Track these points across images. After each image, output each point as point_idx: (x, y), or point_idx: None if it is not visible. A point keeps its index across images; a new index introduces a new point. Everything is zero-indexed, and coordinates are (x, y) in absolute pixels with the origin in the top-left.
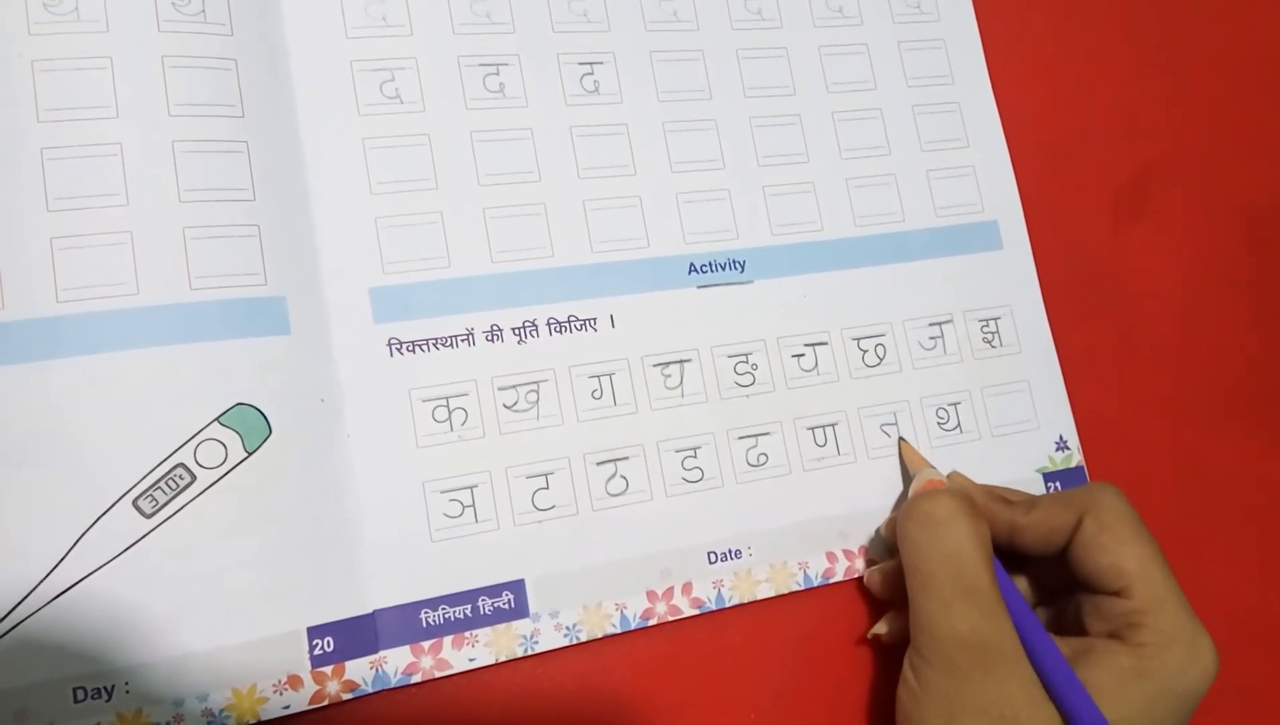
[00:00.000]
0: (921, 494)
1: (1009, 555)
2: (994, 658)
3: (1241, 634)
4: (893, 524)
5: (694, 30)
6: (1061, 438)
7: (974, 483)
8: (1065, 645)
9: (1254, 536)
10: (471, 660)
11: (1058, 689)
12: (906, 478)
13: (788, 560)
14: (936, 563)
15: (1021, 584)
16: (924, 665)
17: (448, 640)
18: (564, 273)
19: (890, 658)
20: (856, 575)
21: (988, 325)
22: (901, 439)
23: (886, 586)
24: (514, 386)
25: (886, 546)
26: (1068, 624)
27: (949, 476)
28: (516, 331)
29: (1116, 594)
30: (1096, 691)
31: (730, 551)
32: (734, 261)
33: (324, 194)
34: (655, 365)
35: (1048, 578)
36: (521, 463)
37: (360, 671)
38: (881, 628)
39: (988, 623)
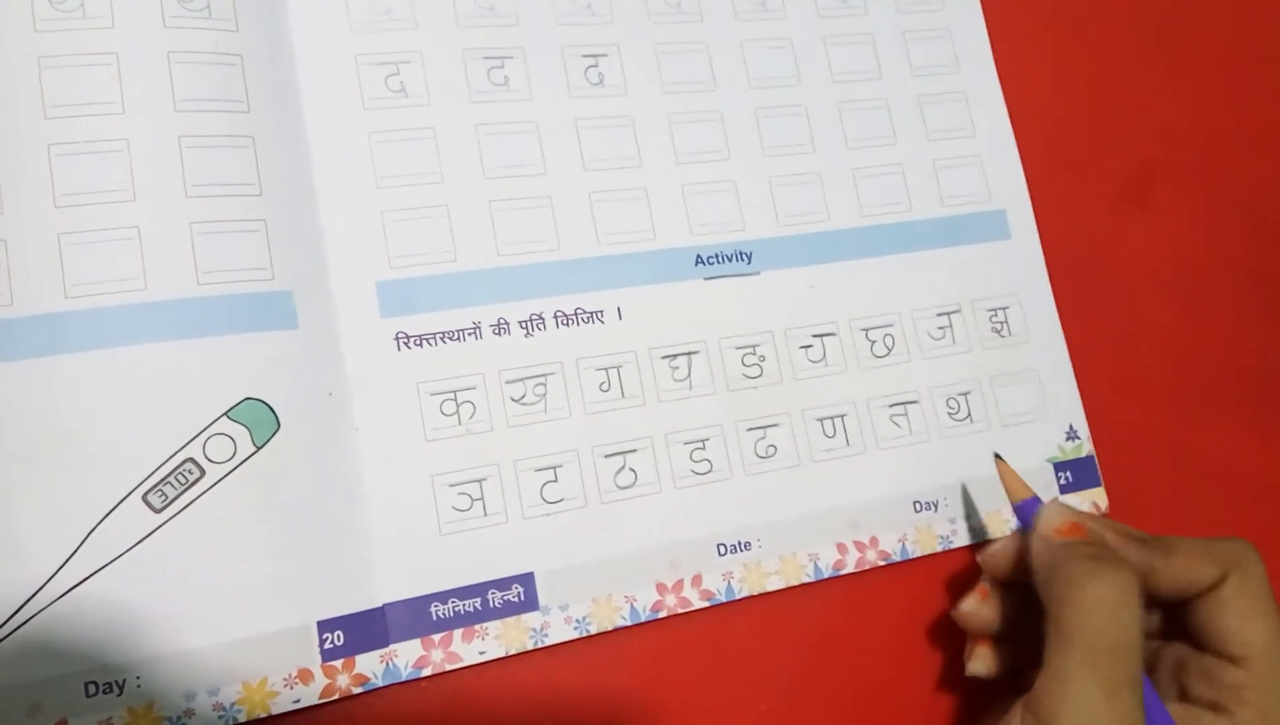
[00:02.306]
0: (1090, 570)
1: None
2: None
3: None
4: (1006, 559)
5: (698, 22)
6: (1072, 427)
7: (1103, 523)
8: (1173, 714)
9: (1260, 525)
10: (481, 653)
11: None
12: (990, 496)
13: (797, 552)
14: (1111, 648)
15: None
16: None
17: (458, 633)
18: (570, 265)
19: (899, 648)
20: (867, 567)
21: (996, 315)
22: (997, 456)
23: (1008, 568)
24: (521, 379)
25: (1002, 577)
26: (1158, 674)
27: (1079, 517)
28: (523, 324)
29: (1232, 661)
30: None
31: (740, 543)
32: (741, 253)
33: (330, 188)
34: (663, 357)
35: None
36: (530, 456)
37: (370, 665)
38: (981, 667)
39: (1141, 714)
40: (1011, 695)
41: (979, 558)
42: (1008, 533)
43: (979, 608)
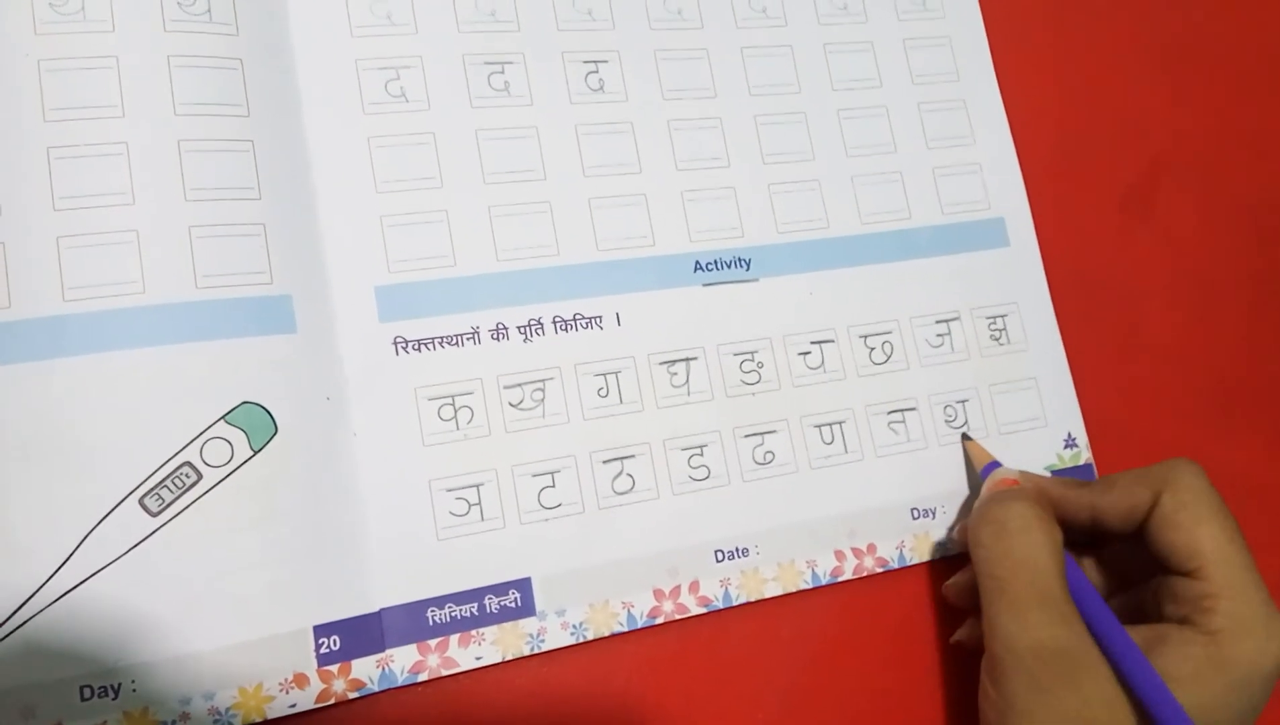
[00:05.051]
0: (993, 499)
1: (1091, 538)
2: (1072, 665)
3: None
4: (965, 530)
5: (698, 28)
6: (1070, 435)
7: (1044, 477)
8: (1138, 634)
9: (1263, 534)
10: (478, 659)
11: (1136, 685)
12: (972, 475)
13: (795, 559)
14: (1010, 569)
15: (1099, 570)
16: (1002, 677)
17: (454, 639)
18: (569, 271)
19: (897, 655)
20: (865, 574)
21: (995, 322)
22: (965, 437)
23: (967, 595)
24: (520, 385)
25: (960, 550)
26: (1148, 607)
27: (1019, 474)
28: (522, 330)
29: (1190, 575)
30: (1172, 681)
31: (737, 550)
32: (740, 259)
33: (329, 192)
34: (661, 363)
35: (1131, 561)
36: (528, 461)
37: (366, 670)
38: (964, 634)
39: (1064, 630)
40: None
41: (955, 531)
42: None
43: (961, 579)
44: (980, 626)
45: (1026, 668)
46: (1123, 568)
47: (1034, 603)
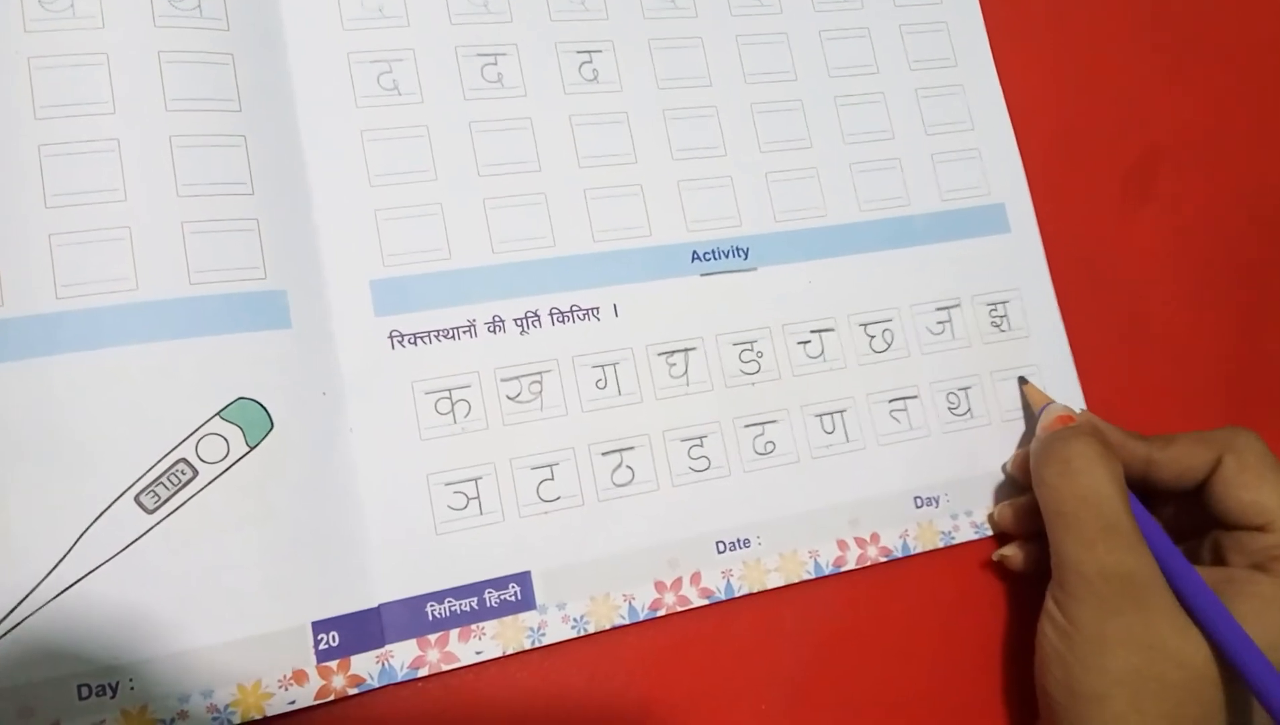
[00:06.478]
0: (1056, 438)
1: (1139, 494)
2: (1139, 589)
3: None
4: (1019, 462)
5: (692, 17)
6: None
7: (1102, 421)
8: (1205, 575)
9: None
10: (478, 653)
11: (1203, 615)
12: (1030, 419)
13: (797, 549)
14: (1076, 505)
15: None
16: (1070, 602)
17: (454, 633)
18: (566, 262)
19: (901, 645)
20: (868, 563)
21: (996, 309)
22: (1022, 380)
23: (1018, 522)
24: (517, 377)
25: (1012, 484)
26: (1202, 561)
27: (1078, 412)
28: (519, 322)
29: (1259, 529)
30: (1239, 618)
31: (739, 541)
32: (737, 249)
33: (323, 187)
34: (660, 354)
35: (1174, 519)
36: (526, 454)
37: (366, 666)
38: (1010, 551)
39: (1131, 556)
40: None
41: (1005, 465)
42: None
43: (1006, 508)
44: (1029, 551)
45: (1095, 591)
46: (1169, 525)
47: (1100, 532)
